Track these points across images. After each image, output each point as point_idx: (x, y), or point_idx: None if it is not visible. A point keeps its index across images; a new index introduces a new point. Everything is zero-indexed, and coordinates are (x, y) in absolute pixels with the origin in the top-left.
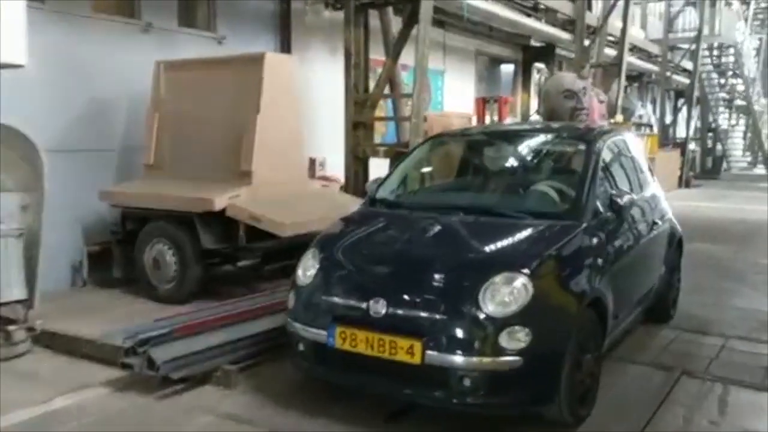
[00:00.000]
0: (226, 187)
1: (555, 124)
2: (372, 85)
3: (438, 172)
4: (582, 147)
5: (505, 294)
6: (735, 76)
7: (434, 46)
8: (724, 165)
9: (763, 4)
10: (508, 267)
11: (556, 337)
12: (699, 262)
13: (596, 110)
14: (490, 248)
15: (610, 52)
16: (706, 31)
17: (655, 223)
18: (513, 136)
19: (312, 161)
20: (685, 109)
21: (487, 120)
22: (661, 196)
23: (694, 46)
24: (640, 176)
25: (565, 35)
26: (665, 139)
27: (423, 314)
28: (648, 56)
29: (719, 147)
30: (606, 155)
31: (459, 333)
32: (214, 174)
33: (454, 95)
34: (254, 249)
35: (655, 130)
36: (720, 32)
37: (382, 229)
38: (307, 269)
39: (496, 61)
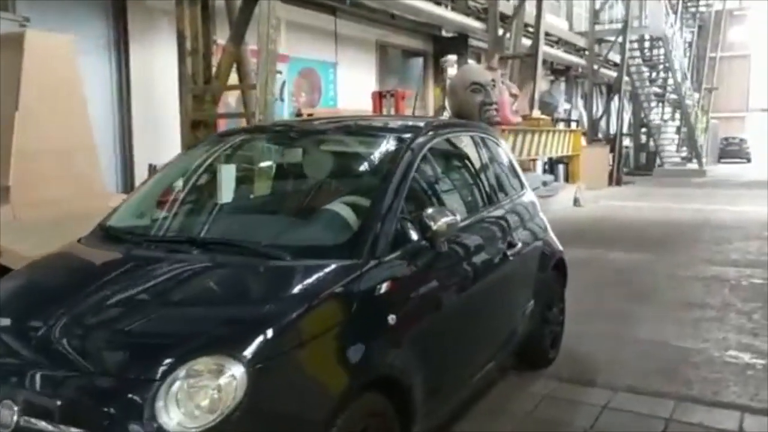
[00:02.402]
0: None
1: (376, 117)
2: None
3: (205, 186)
4: (392, 149)
5: (203, 394)
6: (666, 70)
7: (324, 34)
8: (658, 161)
9: None
10: (210, 347)
11: None
12: (608, 277)
13: (507, 105)
14: (194, 314)
15: (529, 42)
16: (635, 23)
17: (511, 245)
18: (315, 135)
19: (152, 169)
20: (617, 104)
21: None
22: (535, 207)
23: (621, 39)
24: (498, 185)
25: (477, 24)
26: (594, 134)
27: (69, 429)
28: (575, 49)
29: (652, 143)
30: (431, 160)
31: None
32: None
33: (351, 90)
34: None
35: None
36: (647, 24)
37: (64, 282)
38: None
39: (408, 53)
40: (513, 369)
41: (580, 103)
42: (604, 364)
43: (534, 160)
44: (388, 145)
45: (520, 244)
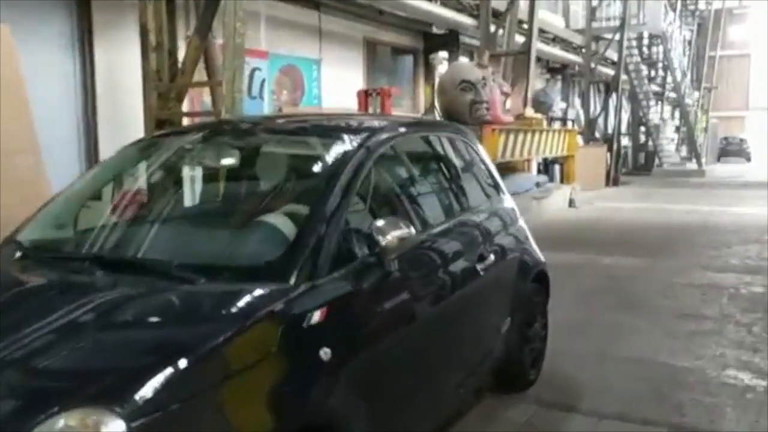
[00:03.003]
0: None
1: (332, 115)
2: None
3: (132, 193)
4: (341, 151)
5: None
6: (665, 68)
7: (307, 30)
8: (656, 161)
9: None
10: (88, 398)
11: None
12: (600, 284)
13: (498, 103)
14: (79, 354)
15: (523, 39)
16: (633, 21)
17: (483, 258)
18: (258, 135)
19: None
20: (615, 103)
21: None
22: (514, 214)
23: (618, 36)
24: (470, 191)
25: (469, 21)
26: (591, 134)
27: None
28: (571, 47)
29: (651, 142)
30: (389, 164)
31: None
32: None
33: (337, 88)
34: None
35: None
36: (645, 21)
37: None
38: None
39: (397, 51)
40: (490, 391)
41: (578, 102)
42: (590, 387)
43: (528, 161)
44: (338, 146)
45: (493, 257)
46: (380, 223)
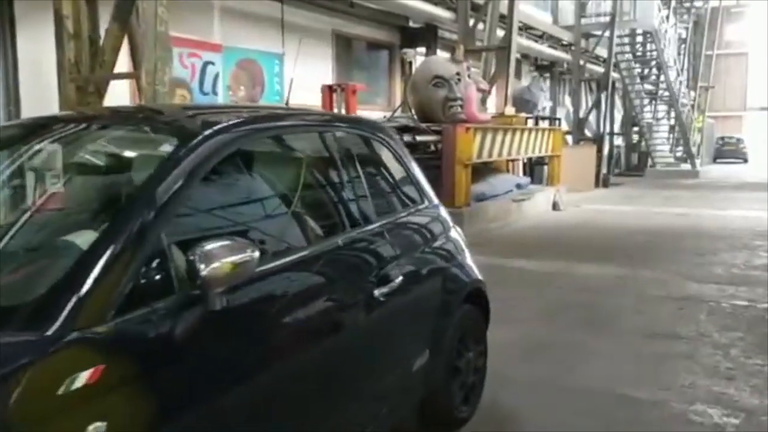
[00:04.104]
0: None
1: (187, 106)
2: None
3: None
4: (170, 150)
5: None
6: (658, 67)
7: (268, 22)
8: (649, 161)
9: None
10: None
11: None
12: (569, 297)
13: (473, 101)
14: None
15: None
16: (625, 17)
17: (385, 281)
18: (82, 129)
19: None
20: (605, 102)
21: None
22: (443, 224)
23: (608, 32)
24: (373, 200)
25: (447, 14)
26: (581, 133)
27: None
28: (560, 44)
29: (644, 142)
30: (247, 167)
31: None
32: None
33: (302, 84)
34: None
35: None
36: (636, 17)
37: None
38: None
39: (372, 45)
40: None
41: (567, 100)
42: (534, 424)
43: (513, 162)
44: (179, 142)
45: (401, 278)
46: (209, 246)
